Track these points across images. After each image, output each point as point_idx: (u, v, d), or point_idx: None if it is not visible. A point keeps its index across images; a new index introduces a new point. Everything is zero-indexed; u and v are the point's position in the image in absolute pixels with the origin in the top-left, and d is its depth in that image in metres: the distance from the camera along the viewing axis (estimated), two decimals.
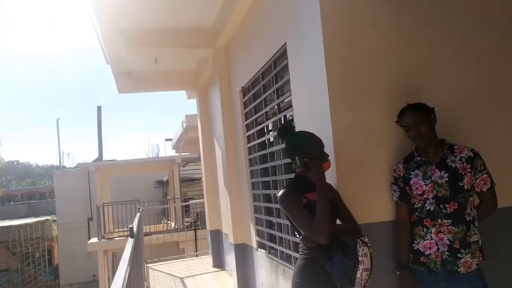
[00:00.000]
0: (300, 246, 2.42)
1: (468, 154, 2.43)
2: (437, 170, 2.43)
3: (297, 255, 3.85)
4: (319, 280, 2.27)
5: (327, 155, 2.35)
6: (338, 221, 2.43)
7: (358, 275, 2.12)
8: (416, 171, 2.49)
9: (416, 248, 2.48)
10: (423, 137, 2.43)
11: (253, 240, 5.34)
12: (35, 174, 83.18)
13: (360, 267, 2.12)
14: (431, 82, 2.81)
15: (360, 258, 2.12)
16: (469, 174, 2.40)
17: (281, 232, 4.36)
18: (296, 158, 2.33)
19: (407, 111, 2.47)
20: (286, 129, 2.46)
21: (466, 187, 2.39)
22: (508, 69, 2.94)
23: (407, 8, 2.82)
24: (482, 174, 2.44)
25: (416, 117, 2.43)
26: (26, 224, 21.57)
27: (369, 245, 2.17)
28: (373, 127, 2.70)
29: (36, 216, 26.56)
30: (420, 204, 2.47)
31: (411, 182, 2.50)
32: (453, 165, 2.41)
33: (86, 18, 5.50)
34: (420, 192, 2.46)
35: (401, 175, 2.55)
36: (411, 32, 2.81)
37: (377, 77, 2.73)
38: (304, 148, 2.34)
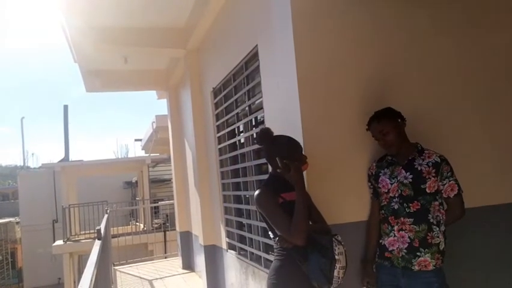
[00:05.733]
0: (275, 247, 2.43)
1: (435, 159, 2.48)
2: (403, 171, 2.50)
3: (266, 256, 3.88)
4: (296, 280, 2.30)
5: (306, 157, 2.39)
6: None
7: (335, 273, 2.17)
8: (385, 169, 2.58)
9: (382, 243, 2.56)
10: (392, 145, 2.50)
11: (223, 242, 5.33)
12: None
13: (337, 265, 2.17)
14: (404, 84, 2.87)
15: (336, 257, 2.17)
16: (432, 178, 2.46)
17: (251, 233, 4.37)
18: (277, 159, 2.35)
19: (372, 122, 2.53)
20: (265, 134, 2.47)
21: (428, 190, 2.45)
22: (484, 73, 3.04)
23: (382, 8, 2.86)
24: (450, 181, 2.48)
25: (381, 127, 2.49)
26: None
27: (343, 243, 2.23)
28: (344, 129, 2.74)
29: None
30: (386, 202, 2.55)
31: (379, 179, 2.59)
32: (418, 168, 2.48)
33: (53, 14, 5.36)
34: (386, 190, 2.55)
35: (373, 173, 2.65)
36: (386, 33, 2.86)
37: (348, 78, 2.77)
38: (287, 151, 2.37)
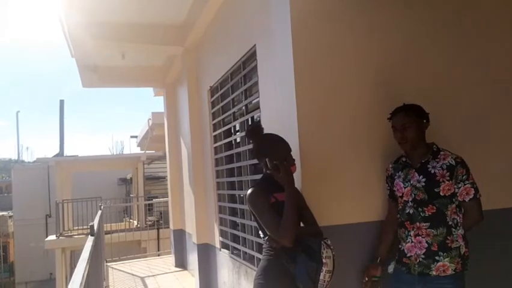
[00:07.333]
0: (264, 246, 2.42)
1: (450, 162, 2.38)
2: (416, 174, 2.43)
3: (259, 256, 3.87)
4: (282, 281, 2.28)
5: (293, 160, 2.37)
6: (301, 223, 2.45)
7: (321, 276, 2.16)
8: (400, 172, 2.51)
9: (402, 248, 2.50)
10: (408, 141, 2.42)
11: (217, 241, 5.33)
12: None
13: (324, 269, 2.15)
14: (403, 86, 2.84)
15: (324, 261, 2.15)
16: (447, 181, 2.36)
17: (245, 233, 4.37)
18: (266, 160, 2.33)
19: (399, 112, 2.45)
20: (255, 130, 2.45)
21: (442, 193, 2.36)
22: (484, 74, 3.01)
23: (379, 11, 2.85)
24: (465, 184, 2.38)
25: (405, 120, 2.41)
26: None
27: (332, 247, 2.21)
28: (341, 130, 2.72)
29: None
30: (401, 207, 2.49)
31: (394, 182, 2.54)
32: (432, 171, 2.39)
33: (52, 8, 5.34)
34: (400, 194, 2.49)
35: (390, 174, 2.59)
36: (384, 35, 2.85)
37: (346, 79, 2.75)
38: (274, 150, 2.34)
